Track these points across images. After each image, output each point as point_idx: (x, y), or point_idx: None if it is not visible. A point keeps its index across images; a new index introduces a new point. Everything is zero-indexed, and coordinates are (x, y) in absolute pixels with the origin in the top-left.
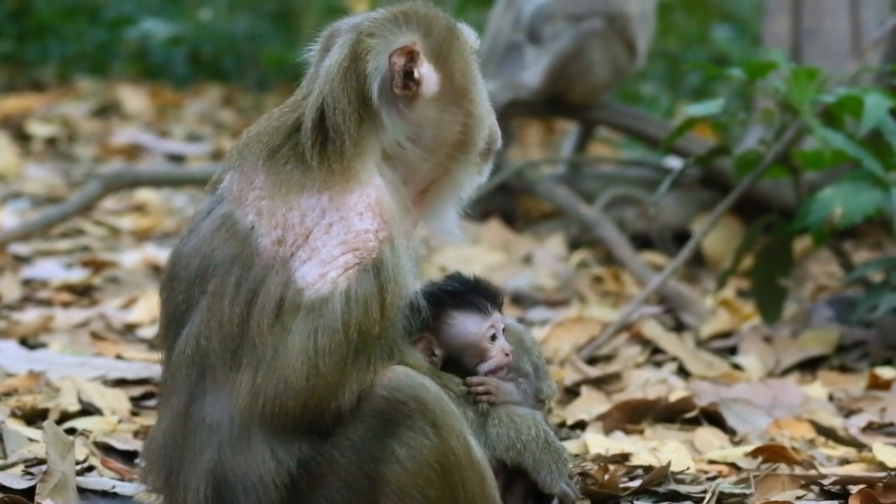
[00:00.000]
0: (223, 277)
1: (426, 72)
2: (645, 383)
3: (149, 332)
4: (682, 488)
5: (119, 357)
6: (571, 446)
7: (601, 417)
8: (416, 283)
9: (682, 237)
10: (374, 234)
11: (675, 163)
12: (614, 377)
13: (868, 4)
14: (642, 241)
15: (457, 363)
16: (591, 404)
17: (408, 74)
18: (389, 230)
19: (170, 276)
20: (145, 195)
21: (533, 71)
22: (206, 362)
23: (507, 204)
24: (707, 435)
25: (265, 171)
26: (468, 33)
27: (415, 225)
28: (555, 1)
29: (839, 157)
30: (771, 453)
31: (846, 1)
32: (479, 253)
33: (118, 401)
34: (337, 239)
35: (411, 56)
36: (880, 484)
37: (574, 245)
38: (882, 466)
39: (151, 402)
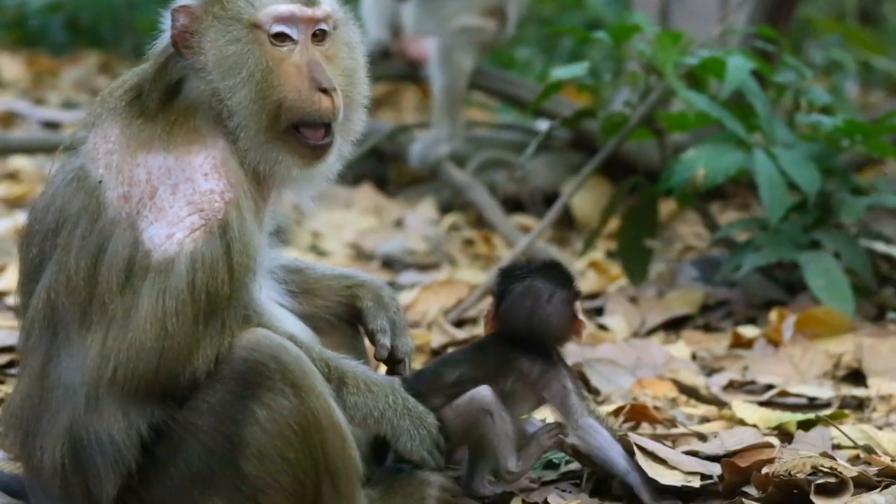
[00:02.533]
0: (71, 231)
1: (197, 40)
2: None
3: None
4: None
5: None
6: None
7: None
8: (271, 246)
9: (552, 199)
10: (220, 194)
11: (546, 126)
12: None
13: None
14: (514, 205)
15: None
16: None
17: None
18: (235, 192)
19: (26, 231)
20: (19, 162)
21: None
22: (58, 318)
23: (379, 168)
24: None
25: (119, 125)
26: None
27: (268, 190)
28: None
29: (702, 119)
30: (633, 413)
31: None
32: (351, 218)
33: None
34: (183, 199)
35: (195, 18)
36: None
37: (445, 208)
38: (741, 423)
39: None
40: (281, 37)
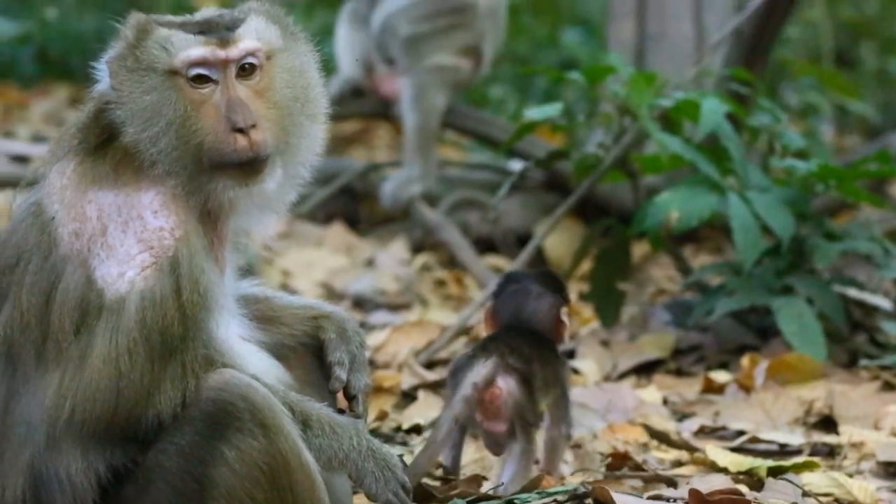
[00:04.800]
0: (26, 266)
1: (116, 95)
2: None
3: None
4: (520, 496)
5: None
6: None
7: None
8: (230, 282)
9: (525, 240)
10: (170, 231)
11: (519, 167)
12: None
13: (711, 8)
14: (486, 245)
15: None
16: (427, 409)
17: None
18: (185, 228)
19: None
20: None
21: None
22: (15, 354)
23: (350, 207)
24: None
25: (73, 161)
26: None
27: (222, 225)
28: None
29: (676, 162)
30: (615, 459)
31: (690, 5)
32: (322, 256)
33: None
34: (133, 237)
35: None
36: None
37: (417, 248)
38: (713, 467)
39: None
40: (200, 79)
